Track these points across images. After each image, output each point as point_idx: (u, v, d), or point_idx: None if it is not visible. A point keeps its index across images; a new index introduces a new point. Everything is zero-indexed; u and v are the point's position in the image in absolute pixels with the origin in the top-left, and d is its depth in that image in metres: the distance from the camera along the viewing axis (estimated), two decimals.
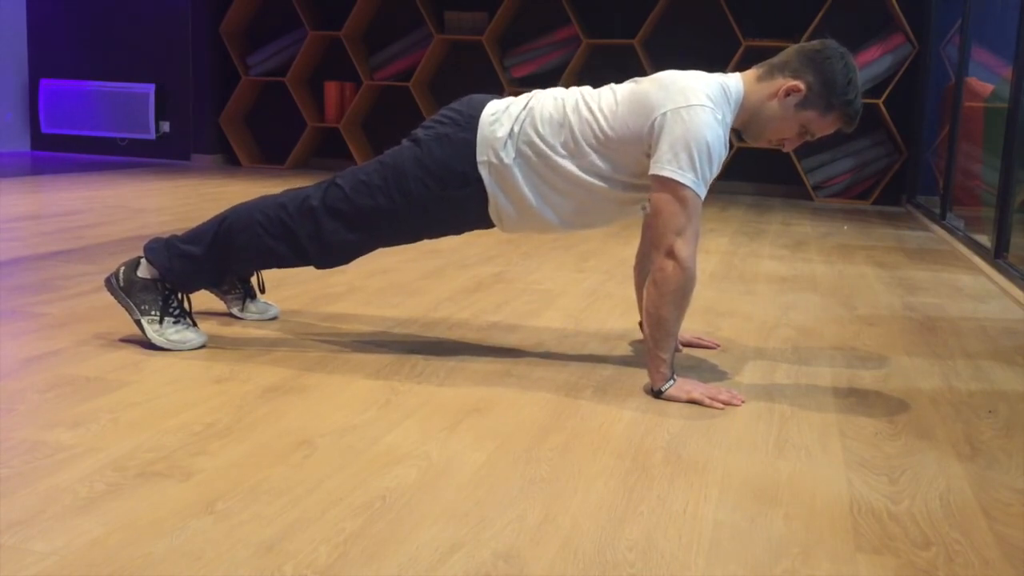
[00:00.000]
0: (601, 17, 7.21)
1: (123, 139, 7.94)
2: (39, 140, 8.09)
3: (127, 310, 2.29)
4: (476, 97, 2.25)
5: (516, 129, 2.17)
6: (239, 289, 2.61)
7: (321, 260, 2.27)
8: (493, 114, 2.19)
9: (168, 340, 2.27)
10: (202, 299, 2.80)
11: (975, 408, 2.13)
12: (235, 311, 2.63)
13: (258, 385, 2.05)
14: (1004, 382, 2.35)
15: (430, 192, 2.18)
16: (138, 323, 2.28)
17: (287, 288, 3.04)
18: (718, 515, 1.50)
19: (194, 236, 2.28)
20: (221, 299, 2.65)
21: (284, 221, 2.22)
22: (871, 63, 6.58)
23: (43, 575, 1.22)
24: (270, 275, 3.11)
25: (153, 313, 2.27)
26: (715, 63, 6.74)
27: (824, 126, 2.18)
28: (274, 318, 2.64)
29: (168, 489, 1.50)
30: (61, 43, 7.90)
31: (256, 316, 2.62)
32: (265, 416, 1.85)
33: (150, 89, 7.73)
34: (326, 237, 2.21)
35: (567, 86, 6.96)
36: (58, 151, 8.07)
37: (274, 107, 7.87)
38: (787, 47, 2.21)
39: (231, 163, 7.90)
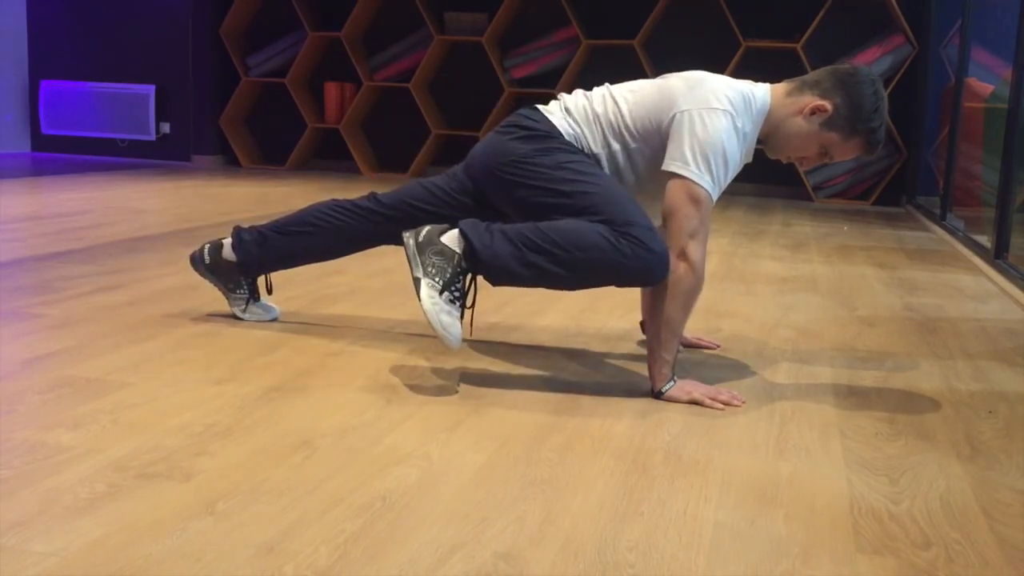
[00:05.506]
0: (601, 17, 7.21)
1: (123, 140, 7.94)
2: (39, 141, 8.09)
3: (421, 269, 2.08)
4: (521, 111, 2.28)
5: (568, 121, 2.22)
6: (244, 289, 2.61)
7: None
8: (548, 111, 2.23)
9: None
10: (202, 300, 2.81)
11: (975, 408, 2.13)
12: (236, 311, 2.62)
13: (258, 386, 2.05)
14: (1004, 382, 2.35)
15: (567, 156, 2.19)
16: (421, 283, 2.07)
17: (288, 289, 3.04)
18: (718, 516, 1.50)
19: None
20: (226, 298, 2.65)
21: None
22: (871, 64, 6.58)
23: None
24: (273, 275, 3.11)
25: (437, 280, 2.05)
26: (715, 63, 6.74)
27: (845, 151, 2.18)
28: (275, 319, 2.64)
29: (168, 490, 1.50)
30: (61, 43, 7.90)
31: (258, 317, 2.62)
32: (265, 417, 1.85)
33: (150, 90, 7.73)
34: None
35: (567, 86, 6.98)
36: (58, 152, 8.07)
37: (274, 108, 7.87)
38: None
39: (231, 164, 7.90)
